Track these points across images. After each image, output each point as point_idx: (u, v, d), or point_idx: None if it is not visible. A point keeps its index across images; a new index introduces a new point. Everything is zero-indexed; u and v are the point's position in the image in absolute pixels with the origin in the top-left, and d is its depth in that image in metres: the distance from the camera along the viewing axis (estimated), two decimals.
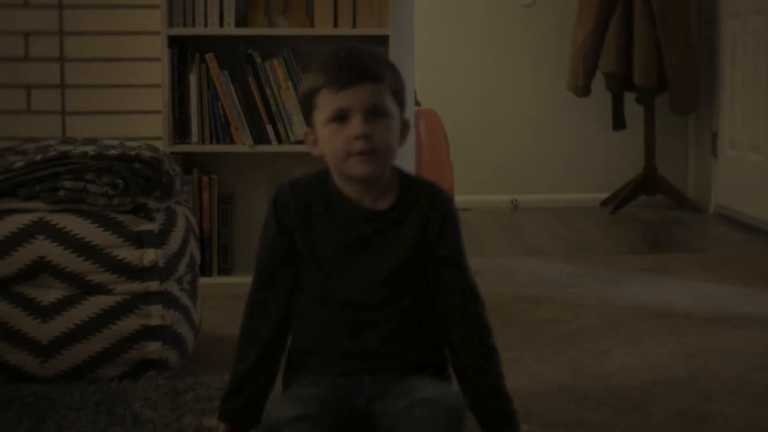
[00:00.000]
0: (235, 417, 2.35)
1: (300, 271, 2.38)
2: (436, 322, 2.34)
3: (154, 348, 2.91)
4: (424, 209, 2.35)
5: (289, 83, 4.11)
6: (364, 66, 2.28)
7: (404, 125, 2.34)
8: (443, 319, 2.33)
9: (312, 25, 4.17)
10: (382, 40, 4.10)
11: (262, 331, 2.36)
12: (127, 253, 2.90)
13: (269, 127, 4.13)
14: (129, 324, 2.90)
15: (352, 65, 2.27)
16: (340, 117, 2.27)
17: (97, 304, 2.90)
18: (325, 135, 2.29)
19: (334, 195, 2.36)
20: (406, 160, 4.30)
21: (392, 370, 2.29)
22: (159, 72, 4.14)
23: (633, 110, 6.48)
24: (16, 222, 2.91)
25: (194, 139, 4.14)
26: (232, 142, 4.15)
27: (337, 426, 2.20)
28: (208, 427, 2.47)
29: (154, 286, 2.91)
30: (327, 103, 2.27)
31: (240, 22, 4.18)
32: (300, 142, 4.13)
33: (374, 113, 2.27)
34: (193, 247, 3.15)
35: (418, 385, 2.24)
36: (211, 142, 4.15)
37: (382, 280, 2.31)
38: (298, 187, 2.41)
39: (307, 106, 2.34)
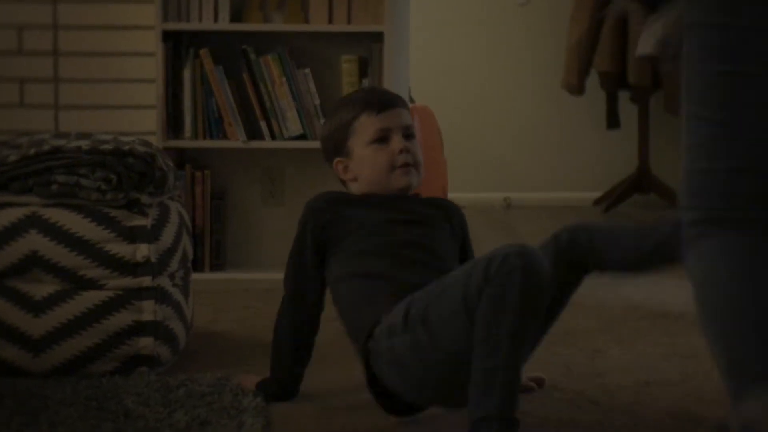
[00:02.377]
0: (271, 397, 2.68)
1: (336, 261, 2.61)
2: None
3: (145, 343, 2.91)
4: (445, 209, 2.72)
5: (284, 79, 4.10)
6: (392, 95, 2.70)
7: None
8: None
9: (307, 21, 4.16)
10: (377, 37, 4.10)
11: (298, 319, 2.67)
12: (120, 248, 2.89)
13: (263, 123, 4.12)
14: (121, 319, 2.90)
15: (383, 93, 2.70)
16: (382, 138, 2.62)
17: (89, 299, 2.89)
18: (367, 155, 2.63)
19: (359, 197, 2.68)
20: None
21: None
22: (153, 67, 4.13)
23: (627, 109, 6.48)
24: (8, 216, 2.90)
25: (188, 134, 4.13)
26: (225, 137, 4.14)
27: None
28: (244, 386, 2.73)
29: (146, 281, 2.91)
30: (368, 125, 2.63)
31: (235, 17, 4.17)
32: (293, 138, 4.12)
33: (407, 135, 2.65)
34: (186, 242, 3.14)
35: None
36: (205, 138, 4.14)
37: (419, 232, 2.62)
38: (325, 193, 2.69)
39: (341, 137, 2.67)
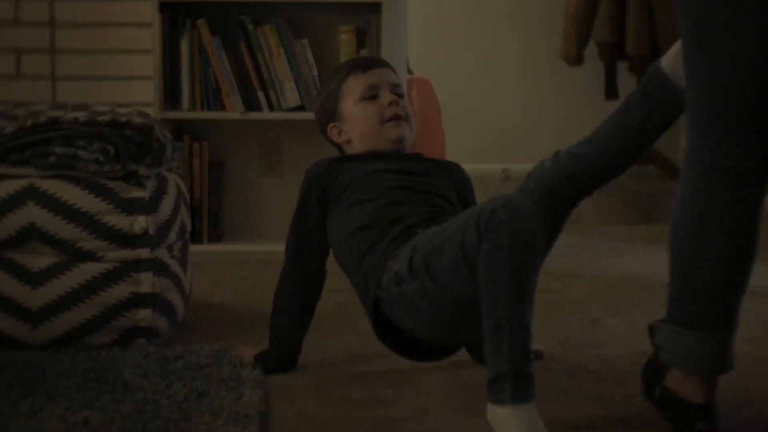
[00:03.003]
0: (270, 369, 2.69)
1: (336, 219, 2.63)
2: None
3: (144, 315, 2.91)
4: (446, 167, 2.77)
5: (281, 50, 4.09)
6: (377, 57, 2.81)
7: None
8: None
9: None
10: (375, 7, 4.08)
11: (301, 285, 2.69)
12: (118, 220, 2.89)
13: (261, 94, 4.11)
14: (119, 291, 2.89)
15: (368, 56, 2.80)
16: (371, 95, 2.66)
17: (87, 271, 2.89)
18: (358, 112, 2.67)
19: (357, 155, 2.70)
20: None
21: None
22: (150, 38, 4.12)
23: (625, 80, 6.47)
24: (6, 188, 2.89)
25: (185, 105, 4.12)
26: (223, 109, 4.13)
27: None
28: (242, 359, 2.74)
29: (144, 253, 2.90)
30: (356, 85, 2.67)
31: None
32: (291, 110, 4.11)
33: (397, 93, 2.68)
34: (184, 214, 3.13)
35: None
36: (202, 109, 4.13)
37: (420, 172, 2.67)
38: (325, 159, 2.71)
39: (331, 104, 2.71)
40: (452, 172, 2.78)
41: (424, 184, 2.65)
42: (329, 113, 2.73)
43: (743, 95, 2.15)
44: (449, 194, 2.70)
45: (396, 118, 2.67)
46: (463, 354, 2.77)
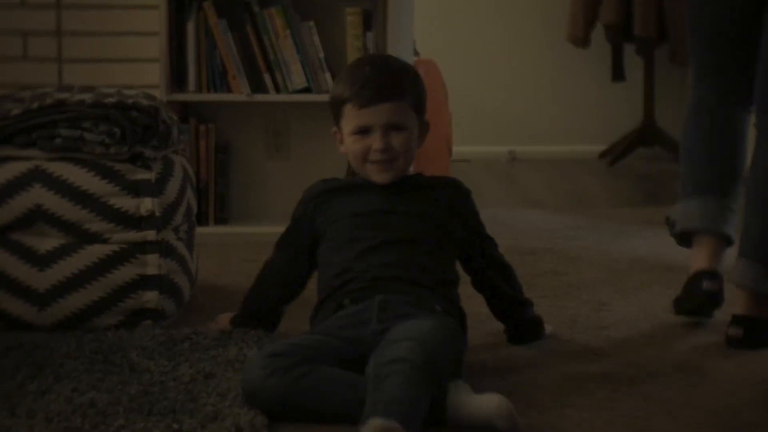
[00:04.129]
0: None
1: (322, 248, 2.70)
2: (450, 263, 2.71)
3: (150, 297, 2.91)
4: (445, 189, 2.75)
5: (288, 32, 4.08)
6: (386, 86, 2.61)
7: (424, 127, 2.71)
8: (472, 266, 2.80)
9: None
10: None
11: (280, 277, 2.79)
12: (124, 202, 2.89)
13: (267, 76, 4.11)
14: (125, 273, 2.90)
15: (375, 85, 2.60)
16: (363, 131, 2.62)
17: (93, 253, 2.89)
18: (350, 142, 2.64)
19: (350, 184, 2.73)
20: None
21: (403, 291, 2.53)
22: (156, 20, 4.11)
23: (632, 61, 6.46)
24: (12, 170, 2.89)
25: (191, 88, 4.12)
26: (229, 91, 4.12)
27: (348, 351, 2.41)
28: (217, 329, 2.81)
29: (150, 235, 2.90)
30: (351, 117, 2.62)
31: None
32: (298, 92, 4.11)
33: (394, 128, 2.62)
34: (190, 196, 3.13)
35: (411, 329, 2.35)
36: (209, 91, 4.13)
37: (401, 229, 2.64)
38: (327, 180, 2.77)
39: (335, 111, 2.68)
40: (452, 195, 2.76)
41: (402, 229, 2.64)
42: (335, 118, 2.71)
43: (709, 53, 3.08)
44: (431, 232, 2.67)
45: (380, 162, 2.63)
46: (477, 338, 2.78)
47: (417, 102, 2.67)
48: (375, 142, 2.61)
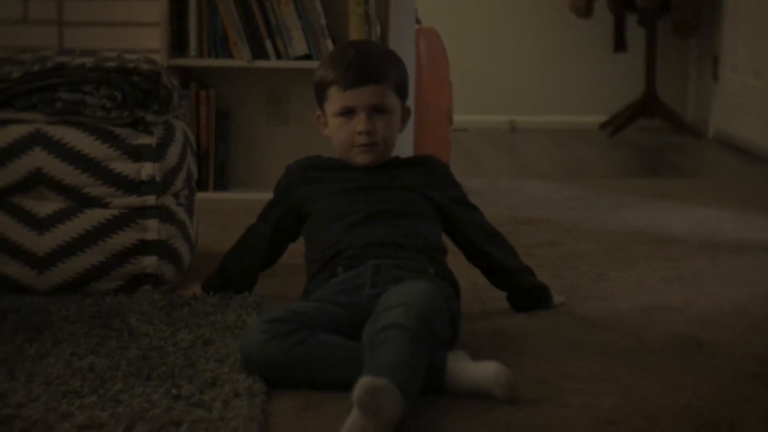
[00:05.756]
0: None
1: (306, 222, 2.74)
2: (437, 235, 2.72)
3: (150, 262, 2.91)
4: (424, 165, 2.78)
5: None
6: (370, 68, 2.64)
7: (405, 113, 2.73)
8: (462, 237, 2.80)
9: None
10: None
11: (255, 247, 2.85)
12: (125, 167, 2.89)
13: (268, 43, 4.10)
14: (125, 238, 2.90)
15: (359, 67, 2.63)
16: (347, 113, 2.65)
17: (93, 217, 2.89)
18: (334, 125, 2.68)
19: (333, 163, 2.76)
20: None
21: (395, 256, 2.56)
22: None
23: (634, 32, 6.44)
24: (12, 133, 2.89)
25: (192, 53, 4.11)
26: (230, 57, 4.11)
27: (344, 316, 2.43)
28: (189, 294, 2.87)
29: (151, 200, 2.90)
30: (335, 99, 2.65)
31: None
32: (299, 58, 4.10)
33: (377, 110, 2.65)
34: (191, 161, 3.13)
35: (403, 293, 2.35)
36: (210, 57, 4.12)
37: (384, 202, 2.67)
38: (309, 157, 2.82)
39: (319, 95, 2.71)
40: (430, 169, 2.79)
41: (388, 201, 2.67)
42: (318, 101, 2.73)
43: None
44: (417, 203, 2.71)
45: (364, 145, 2.66)
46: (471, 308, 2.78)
47: (400, 86, 2.70)
48: (359, 123, 2.64)
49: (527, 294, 2.86)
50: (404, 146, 4.30)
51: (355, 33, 4.11)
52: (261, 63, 4.11)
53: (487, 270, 2.85)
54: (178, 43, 4.10)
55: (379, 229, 2.61)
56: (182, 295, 2.87)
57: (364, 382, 2.03)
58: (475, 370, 2.25)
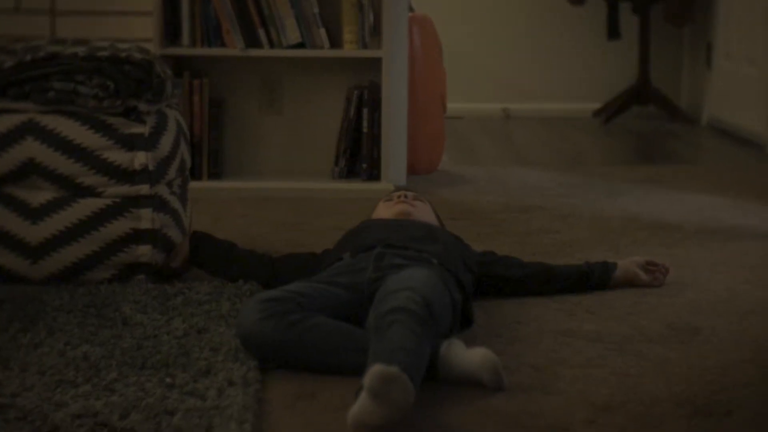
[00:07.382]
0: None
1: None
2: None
3: (143, 251, 2.91)
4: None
5: None
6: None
7: None
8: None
9: None
10: None
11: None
12: (118, 156, 2.88)
13: (261, 31, 4.09)
14: (119, 227, 2.89)
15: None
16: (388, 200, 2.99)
17: (86, 206, 2.88)
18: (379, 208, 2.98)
19: None
20: (399, 67, 4.27)
21: (403, 247, 2.61)
22: None
23: (628, 20, 6.44)
24: (5, 122, 2.88)
25: (185, 42, 4.10)
26: (223, 45, 4.11)
27: (343, 296, 2.45)
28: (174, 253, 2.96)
29: (144, 189, 2.90)
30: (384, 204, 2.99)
31: None
32: (292, 47, 4.09)
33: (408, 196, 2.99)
34: (184, 150, 3.12)
35: (406, 279, 2.35)
36: (203, 46, 4.11)
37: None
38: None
39: None
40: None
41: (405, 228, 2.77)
42: None
43: None
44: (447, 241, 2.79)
45: (400, 201, 2.91)
46: None
47: None
48: (396, 195, 2.99)
49: (593, 283, 2.94)
50: (397, 134, 4.30)
51: (347, 21, 4.10)
52: (254, 52, 4.11)
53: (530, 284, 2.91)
54: (170, 32, 4.09)
55: (397, 234, 2.69)
56: (174, 259, 2.94)
57: (376, 370, 2.01)
58: (465, 358, 2.25)
